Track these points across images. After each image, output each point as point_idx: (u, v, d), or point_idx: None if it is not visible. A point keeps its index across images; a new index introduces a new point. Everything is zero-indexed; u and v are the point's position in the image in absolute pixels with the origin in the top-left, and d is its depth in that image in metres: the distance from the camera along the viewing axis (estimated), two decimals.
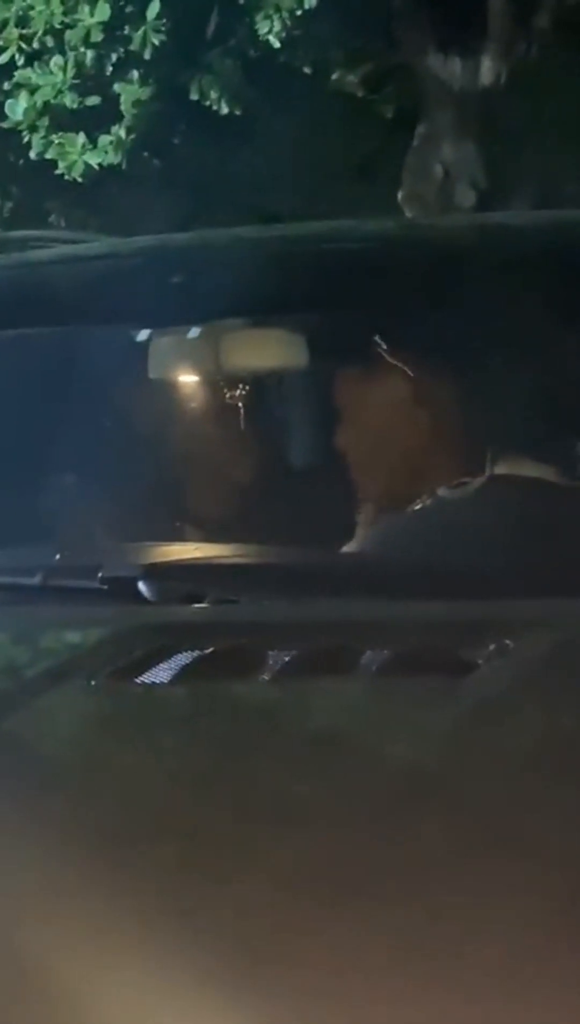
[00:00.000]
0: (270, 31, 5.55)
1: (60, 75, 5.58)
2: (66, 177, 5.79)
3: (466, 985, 1.01)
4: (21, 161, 6.13)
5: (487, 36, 6.50)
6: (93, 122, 5.70)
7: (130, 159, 5.79)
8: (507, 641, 1.59)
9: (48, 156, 5.75)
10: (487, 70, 6.54)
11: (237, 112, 5.86)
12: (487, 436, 2.17)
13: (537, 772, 1.30)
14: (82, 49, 5.56)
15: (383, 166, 6.90)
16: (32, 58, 5.63)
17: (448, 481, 2.11)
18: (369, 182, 7.00)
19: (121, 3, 5.55)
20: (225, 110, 5.83)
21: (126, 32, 5.58)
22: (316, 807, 1.24)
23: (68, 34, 5.56)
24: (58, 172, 5.78)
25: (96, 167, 5.70)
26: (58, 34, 5.57)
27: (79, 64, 5.57)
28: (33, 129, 5.70)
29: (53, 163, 5.76)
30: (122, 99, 5.65)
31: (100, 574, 1.81)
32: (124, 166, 5.80)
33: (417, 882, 1.11)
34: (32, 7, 5.55)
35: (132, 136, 5.69)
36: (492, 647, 1.58)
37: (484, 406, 2.23)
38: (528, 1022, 0.97)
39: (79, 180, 5.77)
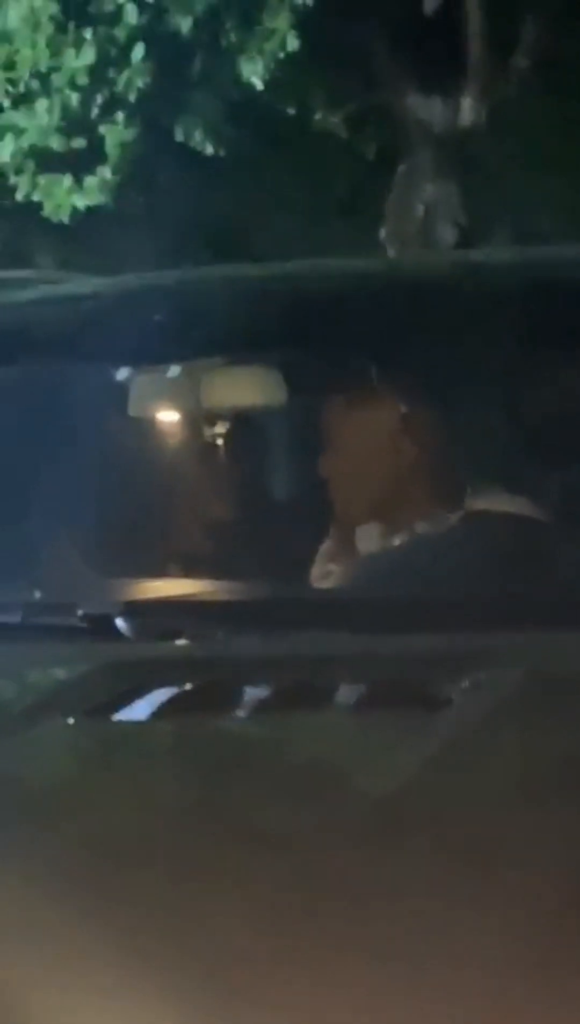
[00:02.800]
0: (253, 73, 5.58)
1: (46, 118, 5.61)
2: (52, 219, 5.81)
3: (442, 1002, 1.01)
4: (6, 203, 6.14)
5: (466, 77, 6.54)
6: (79, 164, 5.72)
7: (115, 200, 5.81)
8: (482, 675, 1.59)
9: (34, 198, 5.77)
10: (467, 110, 6.58)
11: (221, 153, 5.89)
12: (465, 469, 2.17)
13: (511, 802, 1.30)
14: (68, 92, 5.59)
15: (365, 204, 6.93)
16: (18, 101, 5.66)
17: (425, 514, 2.11)
18: (351, 220, 7.03)
19: (106, 47, 5.58)
20: (209, 151, 5.86)
21: (111, 75, 5.61)
22: (292, 838, 1.24)
23: (54, 77, 5.59)
24: (44, 214, 5.80)
25: (82, 208, 5.72)
26: (44, 77, 5.60)
27: (65, 107, 5.60)
28: (19, 172, 5.72)
29: (39, 205, 5.78)
30: (108, 141, 5.67)
31: (80, 611, 1.80)
32: (109, 207, 5.81)
33: (396, 905, 1.11)
34: (18, 51, 5.57)
35: (117, 177, 5.72)
36: (467, 682, 1.57)
37: (462, 440, 2.23)
38: None
39: (64, 222, 5.79)
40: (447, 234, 6.56)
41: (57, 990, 1.07)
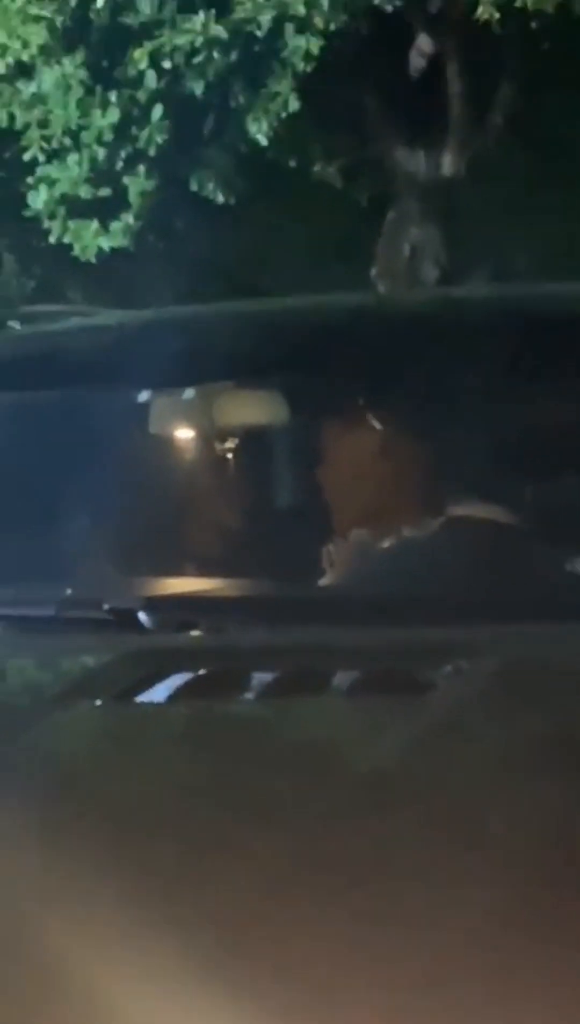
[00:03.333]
0: (259, 130, 5.57)
1: (76, 170, 5.59)
2: (81, 259, 5.79)
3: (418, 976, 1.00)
4: (42, 245, 6.13)
5: (448, 133, 6.53)
6: (105, 211, 5.71)
7: (137, 242, 5.80)
8: (463, 663, 1.58)
9: (65, 240, 5.75)
10: (448, 163, 6.57)
11: (231, 201, 5.87)
12: (447, 480, 2.17)
13: (495, 780, 1.29)
14: (95, 147, 5.57)
15: (358, 246, 6.92)
16: (51, 156, 5.64)
17: (408, 520, 2.11)
18: (346, 260, 7.02)
19: (129, 107, 5.57)
20: (220, 199, 5.85)
21: (134, 132, 5.60)
22: (294, 808, 1.23)
23: (83, 134, 5.57)
24: (74, 254, 5.78)
25: (107, 250, 5.70)
26: (74, 134, 5.59)
27: (93, 160, 5.58)
28: (52, 217, 5.71)
29: (69, 247, 5.77)
30: (130, 190, 5.66)
31: (106, 606, 1.80)
32: (132, 249, 5.80)
33: (399, 882, 1.10)
34: (51, 111, 5.56)
35: (139, 222, 5.70)
36: (451, 669, 1.57)
37: (445, 455, 2.23)
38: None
39: (92, 261, 5.77)
40: (430, 273, 6.55)
41: (88, 954, 1.06)
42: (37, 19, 5.35)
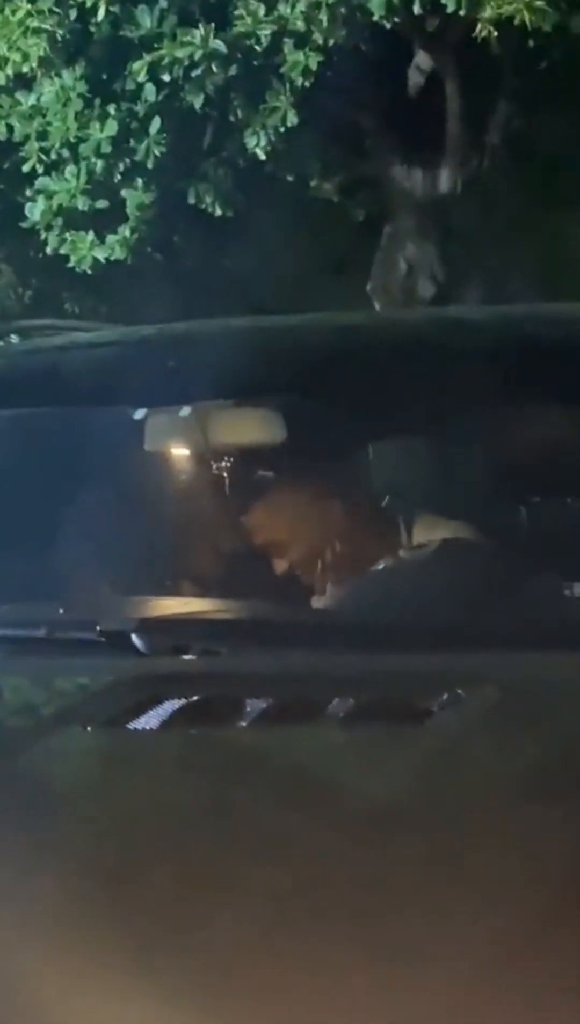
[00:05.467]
0: (257, 145, 5.56)
1: (74, 182, 5.57)
2: (77, 270, 5.77)
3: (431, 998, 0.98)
4: (39, 256, 6.11)
5: (444, 151, 6.53)
6: (102, 223, 5.69)
7: (134, 255, 5.78)
8: (461, 691, 1.56)
9: (62, 251, 5.73)
10: (444, 180, 6.56)
11: (229, 215, 5.86)
12: (444, 500, 2.15)
13: (491, 809, 1.27)
14: (93, 159, 5.55)
15: (355, 262, 6.91)
16: (50, 168, 5.63)
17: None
18: (342, 276, 7.01)
19: (128, 120, 5.56)
20: (218, 213, 5.83)
21: (132, 145, 5.58)
22: (292, 839, 1.22)
23: (81, 147, 5.55)
24: (70, 266, 5.76)
25: (103, 261, 5.68)
26: (73, 147, 5.57)
27: (90, 172, 5.57)
28: (49, 228, 5.69)
29: (66, 258, 5.75)
30: (128, 203, 5.63)
31: (98, 627, 1.77)
32: (129, 261, 5.78)
33: (393, 905, 1.09)
34: (50, 123, 5.54)
35: (136, 235, 5.68)
36: (447, 696, 1.55)
37: (443, 474, 2.22)
38: None
39: (88, 272, 5.75)
40: (426, 289, 6.54)
41: (80, 982, 1.04)
42: (37, 31, 5.33)
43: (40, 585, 2.11)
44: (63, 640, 1.81)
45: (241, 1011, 0.99)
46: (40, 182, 5.63)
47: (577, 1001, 0.99)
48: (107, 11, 5.30)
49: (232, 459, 2.31)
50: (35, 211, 5.66)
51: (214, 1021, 0.98)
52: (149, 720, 1.50)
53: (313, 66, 5.31)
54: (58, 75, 5.49)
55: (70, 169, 5.58)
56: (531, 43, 5.62)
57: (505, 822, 1.23)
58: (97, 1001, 1.02)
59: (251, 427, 2.29)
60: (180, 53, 5.29)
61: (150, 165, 5.56)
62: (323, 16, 5.21)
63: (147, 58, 5.37)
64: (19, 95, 5.57)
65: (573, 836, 1.18)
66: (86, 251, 5.65)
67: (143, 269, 6.09)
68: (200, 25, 5.29)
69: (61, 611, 1.92)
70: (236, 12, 5.29)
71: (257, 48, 5.32)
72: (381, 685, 1.61)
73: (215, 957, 1.04)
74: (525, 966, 1.02)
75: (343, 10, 5.19)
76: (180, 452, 2.37)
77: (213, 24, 5.30)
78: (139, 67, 5.39)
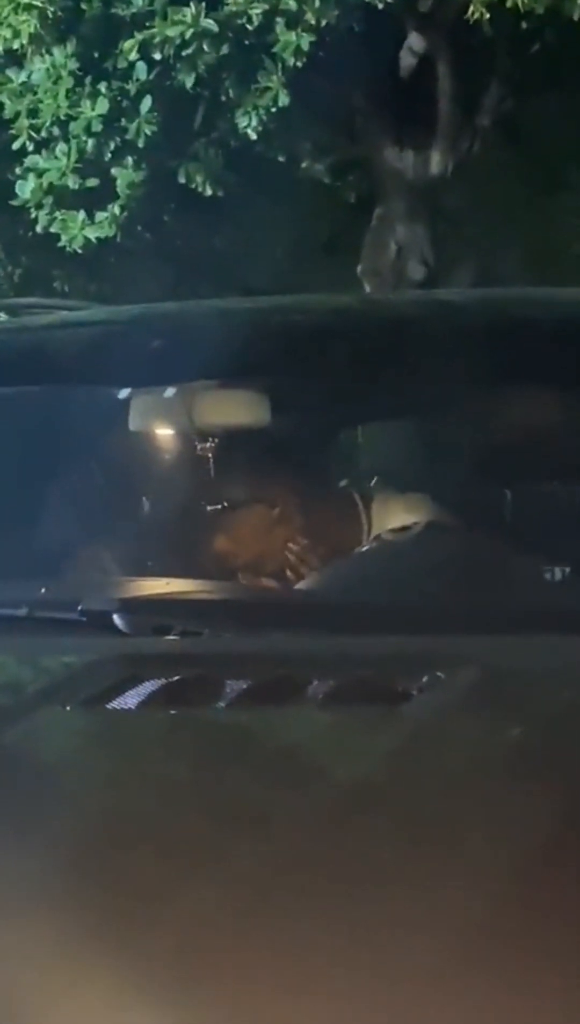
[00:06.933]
0: (248, 125, 5.54)
1: (64, 160, 5.55)
2: (67, 249, 5.75)
3: (393, 981, 0.98)
4: (29, 234, 6.09)
5: (436, 133, 6.51)
6: (92, 201, 5.67)
7: (124, 234, 5.76)
8: (441, 673, 1.56)
9: (52, 230, 5.71)
10: (435, 163, 6.55)
11: (219, 194, 5.84)
12: (424, 482, 2.15)
13: (471, 789, 1.27)
14: (84, 138, 5.53)
15: (345, 243, 6.90)
16: (40, 145, 5.61)
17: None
18: (333, 257, 7.00)
19: (119, 98, 5.54)
20: (209, 192, 5.81)
21: (123, 123, 5.57)
22: (272, 818, 1.22)
23: (72, 125, 5.53)
24: (60, 244, 5.75)
25: (94, 240, 5.66)
26: (63, 125, 5.55)
27: (81, 151, 5.55)
28: (39, 207, 5.67)
29: (56, 236, 5.73)
30: (118, 181, 5.62)
31: (80, 607, 1.77)
32: (119, 239, 5.77)
33: (374, 883, 1.09)
34: (41, 101, 5.52)
35: (126, 214, 5.66)
36: (427, 678, 1.55)
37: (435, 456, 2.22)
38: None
39: (79, 251, 5.74)
40: (416, 271, 6.53)
41: (57, 971, 1.03)
42: (28, 8, 5.31)
43: (22, 564, 2.10)
44: (44, 620, 1.81)
45: (226, 987, 0.99)
46: (30, 160, 5.61)
47: (565, 975, 0.99)
48: None
49: (216, 439, 2.31)
50: (25, 189, 5.64)
51: (199, 997, 0.99)
52: (129, 700, 1.50)
53: (305, 46, 5.29)
54: (49, 52, 5.47)
55: (60, 147, 5.56)
56: (524, 25, 5.60)
57: (485, 803, 1.23)
58: (78, 978, 1.02)
59: (235, 408, 2.29)
60: (171, 32, 5.27)
61: (141, 144, 5.54)
62: None
63: (138, 36, 5.35)
64: (9, 72, 5.55)
65: (553, 815, 1.18)
66: (77, 230, 5.64)
67: (133, 248, 6.08)
68: (191, 4, 5.27)
69: (43, 591, 1.92)
70: None
71: (249, 27, 5.30)
72: (361, 667, 1.61)
73: (198, 934, 1.04)
74: (509, 943, 1.02)
75: None
76: (165, 432, 2.37)
77: (205, 3, 5.28)
78: (130, 46, 5.37)
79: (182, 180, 5.78)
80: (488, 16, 5.18)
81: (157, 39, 5.32)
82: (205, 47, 5.31)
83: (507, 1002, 0.96)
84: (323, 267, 6.92)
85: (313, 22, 5.27)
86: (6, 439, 2.32)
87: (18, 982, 1.01)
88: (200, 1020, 0.97)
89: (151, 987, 0.99)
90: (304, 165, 6.59)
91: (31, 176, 5.62)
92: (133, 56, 5.39)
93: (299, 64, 5.35)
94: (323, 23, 5.29)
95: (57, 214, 5.66)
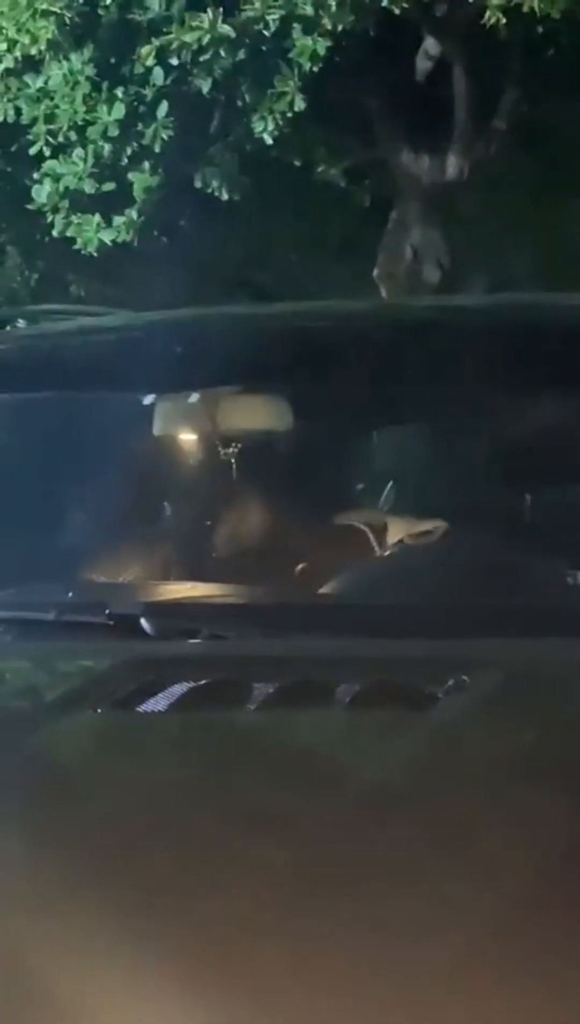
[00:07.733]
0: (264, 130, 5.56)
1: (81, 164, 5.58)
2: (83, 252, 5.78)
3: (421, 984, 0.99)
4: (45, 239, 6.12)
5: (451, 137, 6.52)
6: (108, 205, 5.69)
7: (140, 238, 5.78)
8: (466, 676, 1.57)
9: (68, 234, 5.74)
10: (451, 166, 6.56)
11: (235, 199, 5.86)
12: (443, 486, 2.16)
13: (493, 788, 1.28)
14: (101, 142, 5.56)
15: (361, 247, 6.91)
16: (57, 150, 5.63)
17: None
18: (348, 261, 7.01)
19: (135, 103, 5.56)
20: (225, 197, 5.84)
21: (139, 128, 5.59)
22: (298, 820, 1.23)
23: (89, 130, 5.56)
24: (76, 248, 5.77)
25: (109, 244, 5.69)
26: (80, 130, 5.57)
27: (97, 155, 5.57)
28: (56, 211, 5.69)
29: (72, 240, 5.75)
30: (134, 186, 5.64)
31: (107, 611, 1.78)
32: (135, 244, 5.79)
33: (396, 885, 1.10)
34: (58, 106, 5.55)
35: (142, 218, 5.69)
36: (453, 681, 1.56)
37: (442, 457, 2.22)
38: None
39: (94, 255, 5.76)
40: (432, 275, 6.54)
41: (89, 961, 1.05)
42: (46, 14, 5.34)
43: (49, 569, 2.11)
44: (72, 623, 1.82)
45: (246, 987, 1.00)
46: (47, 165, 5.64)
47: (577, 976, 1.00)
48: None
49: (240, 444, 2.32)
50: (42, 193, 5.67)
51: (218, 998, 1.00)
52: (157, 703, 1.51)
53: (321, 51, 5.31)
54: (66, 58, 5.49)
55: (77, 152, 5.59)
56: (539, 29, 5.61)
57: (508, 805, 1.24)
58: (101, 976, 1.03)
59: (257, 413, 2.30)
60: (188, 37, 5.29)
61: (157, 149, 5.56)
62: (332, 1, 5.21)
63: (155, 42, 5.38)
64: (27, 77, 5.58)
65: (575, 819, 1.19)
66: (92, 234, 5.66)
67: (149, 253, 6.10)
68: (208, 9, 5.29)
69: (70, 594, 1.93)
70: None
71: (265, 33, 5.32)
72: (387, 670, 1.62)
73: (222, 936, 1.05)
74: (525, 944, 1.03)
75: None
76: (188, 437, 2.38)
77: (221, 8, 5.30)
78: (147, 51, 5.40)
79: (198, 185, 5.81)
80: (504, 21, 5.20)
81: (174, 44, 5.35)
82: (222, 52, 5.33)
83: (522, 1005, 0.97)
84: (338, 271, 6.93)
85: (329, 27, 5.29)
86: (33, 444, 2.33)
87: (46, 977, 1.02)
88: (215, 1020, 0.97)
89: (176, 982, 1.01)
90: (320, 169, 6.60)
91: (48, 181, 5.65)
92: (150, 61, 5.42)
93: (315, 69, 5.37)
94: (339, 28, 5.31)
95: (73, 218, 5.69)
